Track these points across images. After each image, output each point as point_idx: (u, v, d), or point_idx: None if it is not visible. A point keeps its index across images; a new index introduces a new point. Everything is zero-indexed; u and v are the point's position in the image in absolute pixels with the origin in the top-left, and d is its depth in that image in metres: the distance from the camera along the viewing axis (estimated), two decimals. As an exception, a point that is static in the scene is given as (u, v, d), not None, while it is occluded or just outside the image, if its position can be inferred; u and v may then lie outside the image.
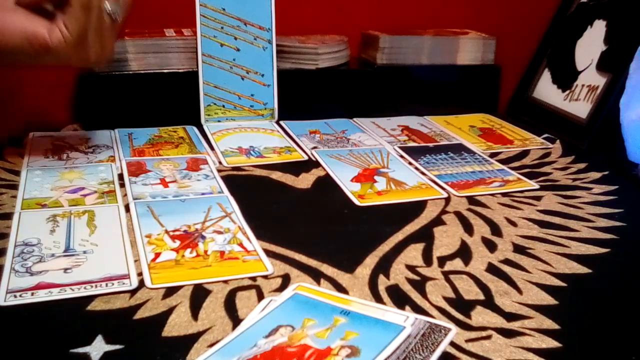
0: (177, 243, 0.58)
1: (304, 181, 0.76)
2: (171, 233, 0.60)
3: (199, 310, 0.49)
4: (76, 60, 0.65)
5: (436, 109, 1.05)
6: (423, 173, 0.79)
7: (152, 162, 0.77)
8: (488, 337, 0.47)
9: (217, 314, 0.48)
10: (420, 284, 0.54)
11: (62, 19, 0.61)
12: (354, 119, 0.99)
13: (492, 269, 0.57)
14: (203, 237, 0.59)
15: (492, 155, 0.87)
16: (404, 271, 0.56)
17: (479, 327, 0.48)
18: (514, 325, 0.49)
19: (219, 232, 0.60)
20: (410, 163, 0.82)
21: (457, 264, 0.58)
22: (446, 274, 0.56)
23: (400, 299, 0.52)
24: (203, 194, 0.69)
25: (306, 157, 0.83)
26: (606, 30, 0.97)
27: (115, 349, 0.44)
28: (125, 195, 0.68)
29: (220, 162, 0.80)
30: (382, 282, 0.54)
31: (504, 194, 0.74)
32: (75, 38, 0.61)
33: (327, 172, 0.78)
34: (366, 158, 0.83)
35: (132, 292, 0.51)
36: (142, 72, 0.92)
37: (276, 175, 0.77)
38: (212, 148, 0.84)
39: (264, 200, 0.70)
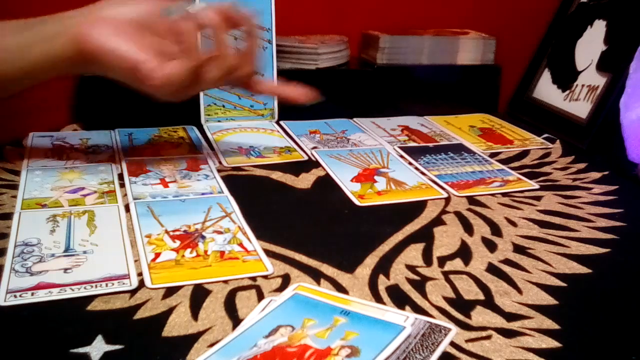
0: (177, 243, 0.58)
1: (304, 181, 0.76)
2: (171, 233, 0.60)
3: (199, 310, 0.49)
4: (165, 96, 0.65)
5: (436, 109, 1.05)
6: (423, 173, 0.79)
7: (152, 162, 0.77)
8: (488, 337, 0.47)
9: (217, 314, 0.48)
10: (420, 284, 0.54)
11: (174, 63, 0.62)
12: (354, 119, 0.99)
13: (492, 269, 0.57)
14: (203, 237, 0.59)
15: (492, 155, 0.87)
16: (404, 271, 0.56)
17: (479, 327, 0.48)
18: (514, 325, 0.49)
19: (219, 232, 0.60)
20: (410, 163, 0.82)
21: (457, 264, 0.58)
22: (446, 274, 0.56)
23: (400, 299, 0.52)
24: (203, 194, 0.69)
25: (306, 157, 0.83)
26: (606, 30, 0.97)
27: (115, 349, 0.44)
28: (125, 195, 0.68)
29: (220, 162, 0.80)
30: (382, 282, 0.54)
31: (504, 194, 0.74)
32: (175, 84, 0.63)
33: (327, 172, 0.78)
34: (366, 158, 0.83)
35: (132, 292, 0.50)
36: (142, 72, 0.91)
37: (276, 175, 0.77)
38: (212, 148, 0.84)
39: (264, 200, 0.70)
